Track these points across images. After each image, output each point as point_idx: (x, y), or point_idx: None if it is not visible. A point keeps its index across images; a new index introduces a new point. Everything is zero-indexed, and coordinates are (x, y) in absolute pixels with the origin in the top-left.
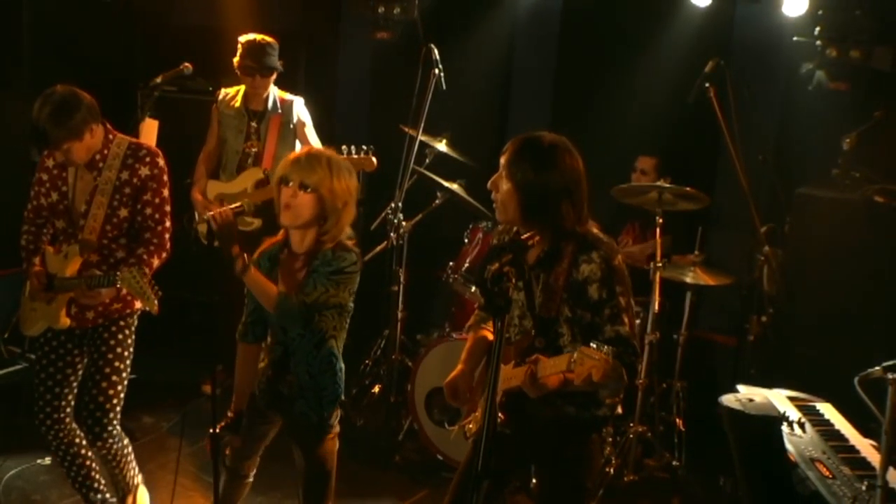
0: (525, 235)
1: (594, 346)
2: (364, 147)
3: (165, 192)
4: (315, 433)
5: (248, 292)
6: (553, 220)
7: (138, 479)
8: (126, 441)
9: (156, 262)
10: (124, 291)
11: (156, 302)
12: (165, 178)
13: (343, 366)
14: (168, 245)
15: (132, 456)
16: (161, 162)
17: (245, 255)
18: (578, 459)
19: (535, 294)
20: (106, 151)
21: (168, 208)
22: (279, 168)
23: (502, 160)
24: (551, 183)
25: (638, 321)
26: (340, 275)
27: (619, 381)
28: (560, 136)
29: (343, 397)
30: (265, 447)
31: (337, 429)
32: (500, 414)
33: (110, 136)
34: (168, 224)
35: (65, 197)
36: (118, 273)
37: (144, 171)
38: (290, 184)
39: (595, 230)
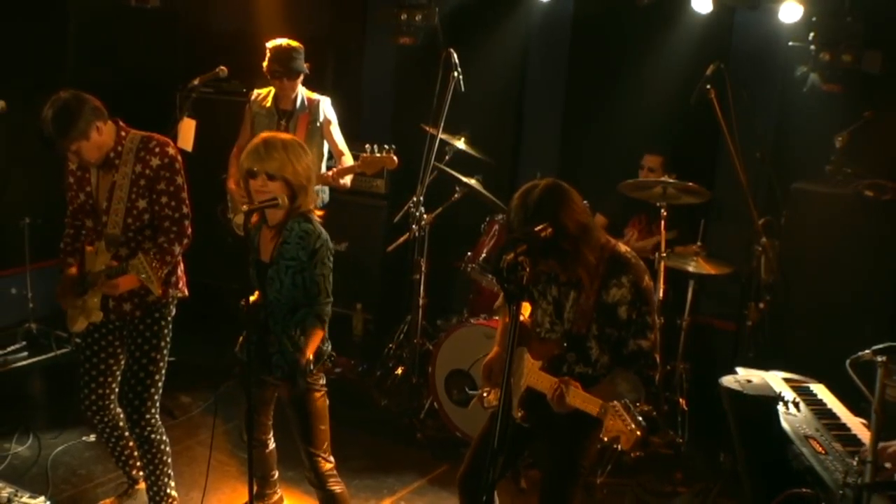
0: (538, 228)
1: (628, 404)
2: (385, 146)
3: (179, 180)
4: (294, 389)
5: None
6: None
7: (173, 492)
8: (165, 438)
9: (177, 249)
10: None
11: (158, 288)
12: (178, 166)
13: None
14: (188, 231)
15: (169, 459)
16: (171, 151)
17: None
18: (579, 444)
19: (566, 309)
20: (120, 148)
21: (184, 195)
22: (243, 160)
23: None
24: (590, 227)
25: None
26: (318, 254)
27: (639, 394)
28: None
29: (325, 358)
30: (273, 415)
31: (321, 388)
32: (519, 410)
33: (123, 133)
34: (186, 211)
35: (90, 197)
36: (129, 262)
37: (156, 161)
38: (258, 176)
39: (623, 248)
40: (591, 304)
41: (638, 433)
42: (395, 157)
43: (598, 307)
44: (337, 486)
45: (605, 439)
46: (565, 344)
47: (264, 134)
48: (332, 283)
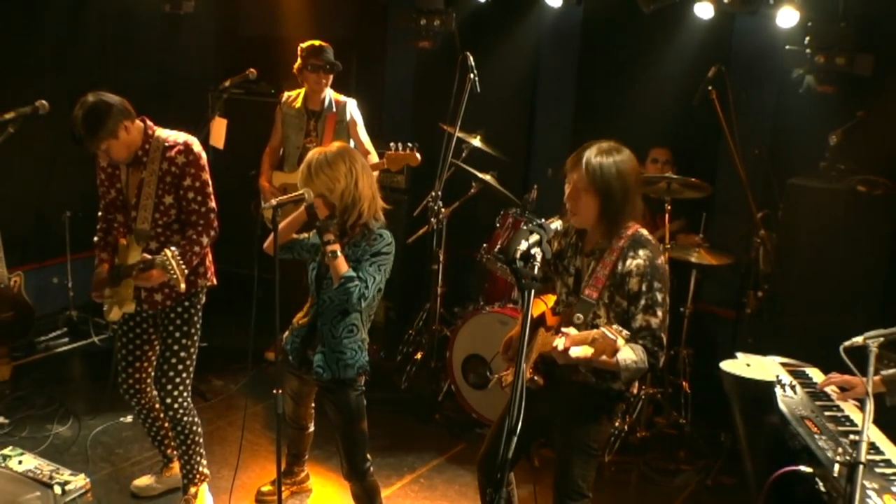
0: (549, 220)
1: (616, 327)
2: (409, 144)
3: (204, 176)
4: (334, 389)
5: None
6: (620, 216)
7: (205, 470)
8: (197, 420)
9: (205, 241)
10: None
11: (182, 284)
12: (203, 162)
13: (366, 337)
14: (215, 224)
15: (201, 439)
16: (196, 148)
17: (339, 244)
18: (589, 424)
19: (584, 278)
20: (147, 146)
21: (209, 190)
22: (301, 185)
23: (577, 175)
24: (627, 187)
25: None
26: (380, 256)
27: (641, 363)
28: (609, 141)
29: (366, 365)
30: (314, 402)
31: (359, 388)
32: (532, 374)
33: (150, 132)
34: (212, 205)
35: (120, 193)
36: (155, 258)
37: (181, 159)
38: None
39: (645, 231)
40: (606, 272)
41: (617, 346)
42: (418, 155)
43: (612, 275)
44: (371, 482)
45: (596, 357)
46: (575, 308)
47: (308, 157)
48: None
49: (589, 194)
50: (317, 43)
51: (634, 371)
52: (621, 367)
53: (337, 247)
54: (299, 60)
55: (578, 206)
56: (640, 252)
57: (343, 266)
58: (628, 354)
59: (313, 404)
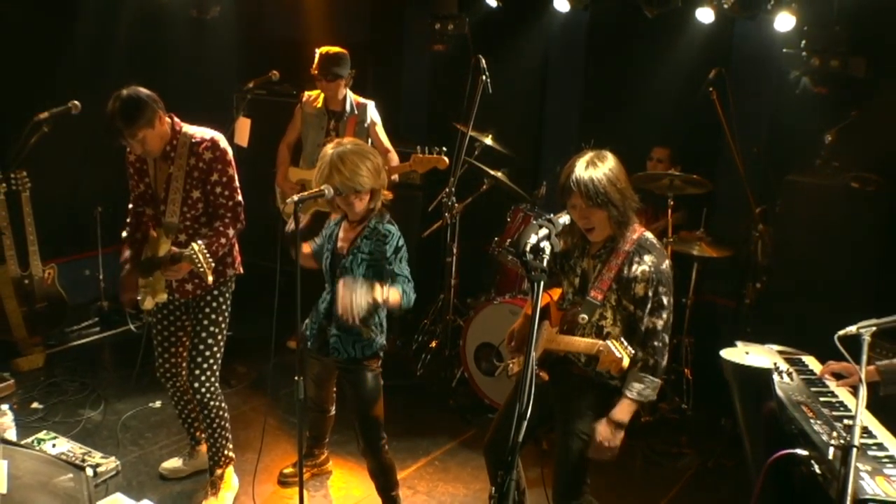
0: (557, 215)
1: (623, 343)
2: (437, 148)
3: (231, 171)
4: (353, 369)
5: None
6: (627, 216)
7: (230, 453)
8: (224, 405)
9: (231, 232)
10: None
11: (210, 276)
12: (229, 157)
13: (383, 318)
14: (241, 217)
15: (227, 423)
16: (222, 144)
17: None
18: (586, 415)
19: (590, 279)
20: (175, 142)
21: (236, 185)
22: (326, 182)
23: (576, 200)
24: (628, 193)
25: None
26: (401, 251)
27: (655, 388)
28: (590, 152)
29: (384, 345)
30: (334, 387)
31: (376, 369)
32: (539, 370)
33: (177, 128)
34: (239, 199)
35: (149, 186)
36: (183, 252)
37: (208, 155)
38: (344, 194)
39: (650, 235)
40: (612, 275)
41: (623, 365)
42: (446, 159)
43: (618, 279)
44: (386, 458)
45: (601, 370)
46: (579, 309)
47: (339, 154)
48: None
49: (594, 210)
50: (329, 50)
51: (654, 392)
52: (645, 402)
53: (382, 293)
54: (314, 64)
55: (592, 222)
56: (646, 258)
57: (397, 297)
58: (647, 389)
59: (335, 388)
